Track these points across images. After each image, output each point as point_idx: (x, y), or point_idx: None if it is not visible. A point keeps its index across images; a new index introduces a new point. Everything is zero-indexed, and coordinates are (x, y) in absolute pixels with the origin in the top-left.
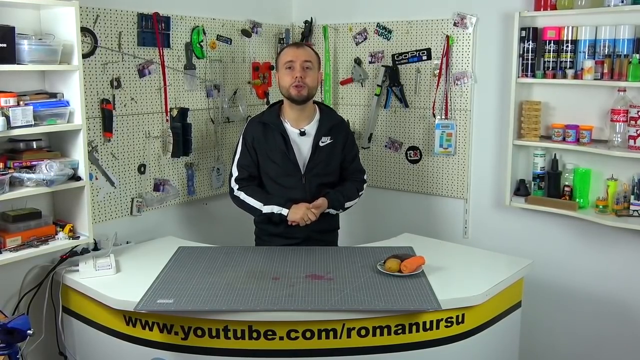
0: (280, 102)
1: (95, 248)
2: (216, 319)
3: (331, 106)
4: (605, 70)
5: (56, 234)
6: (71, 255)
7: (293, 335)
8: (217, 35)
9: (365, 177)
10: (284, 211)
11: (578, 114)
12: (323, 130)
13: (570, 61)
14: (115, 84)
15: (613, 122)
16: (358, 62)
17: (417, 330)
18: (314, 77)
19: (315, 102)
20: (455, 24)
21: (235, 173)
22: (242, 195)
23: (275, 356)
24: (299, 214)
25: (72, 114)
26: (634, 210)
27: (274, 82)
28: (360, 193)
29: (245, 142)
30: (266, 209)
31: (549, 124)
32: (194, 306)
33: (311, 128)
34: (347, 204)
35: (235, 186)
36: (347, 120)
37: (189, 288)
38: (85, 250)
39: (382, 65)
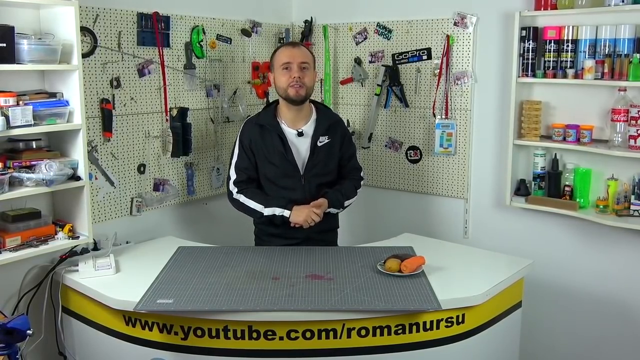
0: (276, 103)
1: (95, 248)
2: (216, 319)
3: (331, 106)
4: (606, 70)
5: (56, 234)
6: (71, 255)
7: (293, 335)
8: (217, 34)
9: (362, 174)
10: (286, 213)
11: (578, 113)
12: (321, 130)
13: (570, 61)
14: (114, 83)
15: (613, 122)
16: (358, 61)
17: (418, 331)
18: (311, 77)
19: (311, 101)
20: (455, 24)
21: (233, 176)
22: (242, 198)
23: (275, 356)
24: (302, 216)
25: (72, 114)
26: (634, 210)
27: None
28: (358, 191)
29: (242, 144)
30: (267, 211)
31: (550, 123)
32: (194, 306)
33: (309, 128)
34: (346, 203)
35: (234, 189)
36: (347, 119)
37: (188, 288)
38: (84, 250)
39: (382, 65)
